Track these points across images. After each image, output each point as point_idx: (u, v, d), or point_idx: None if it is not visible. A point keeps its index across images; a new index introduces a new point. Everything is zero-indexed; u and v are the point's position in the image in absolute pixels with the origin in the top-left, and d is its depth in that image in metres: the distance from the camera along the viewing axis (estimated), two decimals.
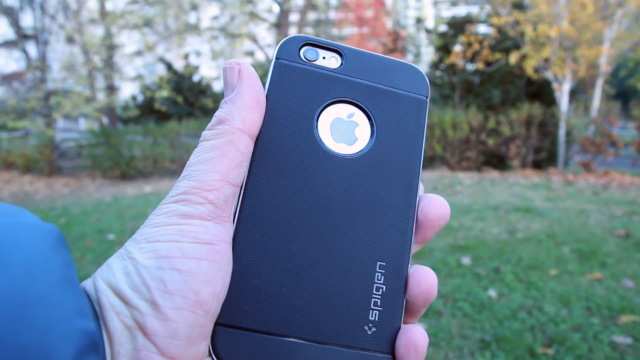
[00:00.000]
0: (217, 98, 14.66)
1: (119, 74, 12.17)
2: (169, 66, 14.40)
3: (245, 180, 0.31)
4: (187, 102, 14.21)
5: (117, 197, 6.80)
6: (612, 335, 2.03)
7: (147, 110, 14.07)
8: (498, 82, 10.70)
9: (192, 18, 14.37)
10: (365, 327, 0.31)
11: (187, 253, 0.27)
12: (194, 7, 13.17)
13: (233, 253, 0.30)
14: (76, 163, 10.99)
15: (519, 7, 9.59)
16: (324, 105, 0.34)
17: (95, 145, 10.57)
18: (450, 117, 8.90)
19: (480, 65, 10.25)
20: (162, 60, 13.99)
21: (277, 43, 0.35)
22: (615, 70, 11.66)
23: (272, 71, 0.34)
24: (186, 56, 15.54)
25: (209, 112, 14.15)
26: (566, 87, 8.75)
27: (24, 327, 0.22)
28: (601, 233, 3.60)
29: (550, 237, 3.53)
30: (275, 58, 0.34)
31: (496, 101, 10.45)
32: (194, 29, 12.42)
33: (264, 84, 0.33)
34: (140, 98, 14.80)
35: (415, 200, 0.34)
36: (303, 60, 0.35)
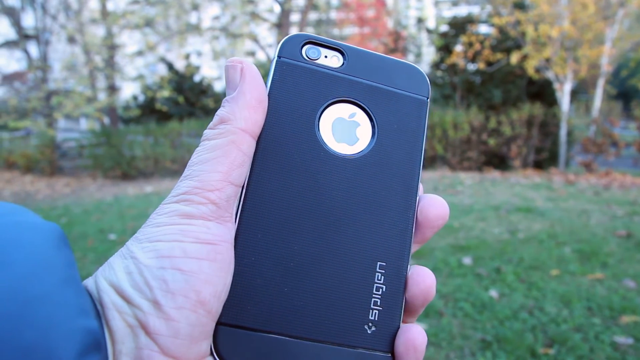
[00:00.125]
0: (218, 98, 14.67)
1: (120, 74, 12.18)
2: (170, 66, 14.42)
3: (247, 179, 0.31)
4: (188, 102, 14.22)
5: (118, 197, 6.80)
6: (613, 335, 2.03)
7: (148, 110, 14.09)
8: (499, 82, 10.69)
9: (193, 18, 14.38)
10: (365, 327, 0.31)
11: (189, 253, 0.27)
12: (195, 7, 13.17)
13: (235, 253, 0.30)
14: (77, 163, 11.01)
15: (520, 7, 9.58)
16: (325, 104, 0.34)
17: (97, 145, 10.59)
18: (451, 117, 8.90)
19: (481, 65, 10.25)
20: (163, 60, 14.01)
21: (279, 41, 0.35)
22: (617, 70, 11.65)
23: (274, 70, 0.34)
24: (187, 56, 15.54)
25: (210, 112, 14.16)
26: (567, 87, 8.75)
27: (26, 326, 0.22)
28: (602, 233, 3.60)
29: (551, 237, 3.52)
30: (277, 56, 0.34)
31: (497, 101, 10.45)
32: (195, 29, 12.43)
33: (265, 83, 0.33)
34: (141, 98, 14.82)
35: (416, 201, 0.34)
36: (305, 59, 0.35)
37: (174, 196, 0.29)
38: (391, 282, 0.32)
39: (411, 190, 0.34)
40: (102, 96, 11.79)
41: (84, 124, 17.19)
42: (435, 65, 11.93)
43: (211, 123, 0.31)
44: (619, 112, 18.22)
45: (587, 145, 8.19)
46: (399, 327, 0.32)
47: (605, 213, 4.39)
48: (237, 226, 0.30)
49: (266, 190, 0.31)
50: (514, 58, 8.92)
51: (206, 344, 0.28)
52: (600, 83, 9.22)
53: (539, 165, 9.03)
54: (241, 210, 0.31)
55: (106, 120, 12.89)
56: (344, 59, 0.35)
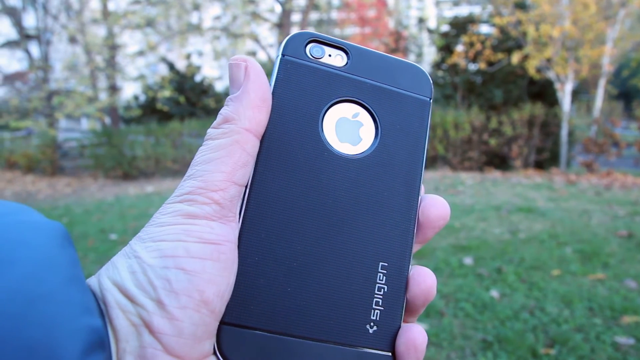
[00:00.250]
0: (220, 98, 14.68)
1: (121, 74, 12.19)
2: (171, 66, 14.43)
3: (250, 179, 0.31)
4: (189, 102, 14.23)
5: (119, 197, 6.81)
6: (614, 335, 2.03)
7: (149, 110, 14.10)
8: (500, 82, 10.69)
9: (194, 18, 14.38)
10: (367, 326, 0.31)
11: (193, 253, 0.27)
12: (196, 7, 13.17)
13: (238, 253, 0.30)
14: (78, 163, 11.02)
15: (521, 7, 9.57)
16: (329, 104, 0.34)
17: (98, 145, 10.60)
18: (452, 117, 8.90)
19: (482, 65, 10.25)
20: (164, 60, 14.02)
21: (283, 39, 0.35)
22: (618, 70, 11.64)
23: (278, 68, 0.34)
24: (188, 56, 15.54)
25: (211, 112, 14.17)
26: (568, 87, 8.74)
27: (31, 325, 0.22)
28: (604, 233, 3.60)
29: (552, 238, 3.52)
30: (281, 54, 0.34)
31: (498, 101, 10.44)
32: (196, 29, 12.43)
33: (269, 81, 0.33)
34: (142, 98, 14.84)
35: (417, 201, 0.34)
36: (309, 58, 0.34)
37: (178, 196, 0.29)
38: (393, 282, 0.32)
39: (413, 191, 0.34)
40: (103, 96, 11.81)
41: (85, 124, 17.21)
42: (437, 65, 11.93)
43: (215, 122, 0.31)
44: (620, 112, 18.21)
45: (588, 145, 8.18)
46: (399, 327, 0.32)
47: (607, 213, 4.39)
48: (241, 226, 0.31)
49: (270, 190, 0.31)
50: (515, 58, 8.92)
51: (209, 343, 0.28)
52: (602, 83, 9.21)
53: (540, 165, 9.02)
54: (245, 210, 0.31)
55: (107, 120, 12.90)
56: (348, 58, 0.35)
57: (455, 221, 4.07)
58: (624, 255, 3.06)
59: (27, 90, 11.47)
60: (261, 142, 0.32)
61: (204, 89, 14.83)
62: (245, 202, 0.31)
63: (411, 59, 17.70)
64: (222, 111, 0.31)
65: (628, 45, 9.17)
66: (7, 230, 0.25)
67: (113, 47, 11.37)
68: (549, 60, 8.81)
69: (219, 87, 17.38)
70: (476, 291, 2.53)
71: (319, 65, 0.34)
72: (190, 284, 0.26)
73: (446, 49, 11.51)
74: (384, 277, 0.32)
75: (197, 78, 15.00)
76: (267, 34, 17.55)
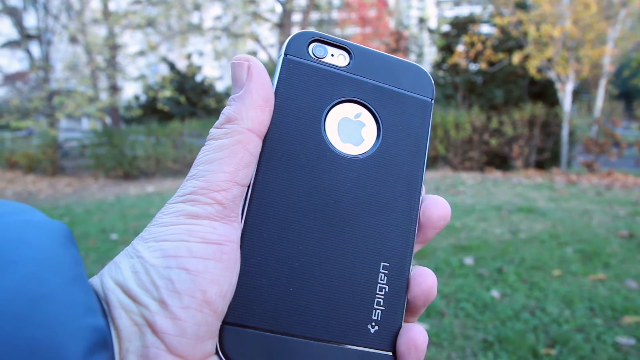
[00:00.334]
0: (220, 98, 14.70)
1: (122, 74, 12.19)
2: (172, 66, 14.44)
3: (253, 179, 0.31)
4: (190, 102, 14.24)
5: (119, 196, 6.81)
6: (615, 336, 2.03)
7: (150, 110, 14.11)
8: (501, 82, 10.69)
9: (194, 18, 14.38)
10: (369, 326, 0.32)
11: (195, 253, 0.27)
12: (197, 7, 13.17)
13: (241, 253, 0.30)
14: (79, 163, 11.04)
15: (522, 7, 9.58)
16: (332, 104, 0.34)
17: (98, 145, 10.61)
18: (452, 117, 8.90)
19: (483, 65, 10.25)
20: (164, 60, 14.03)
21: (285, 39, 0.35)
22: (619, 70, 11.63)
23: (281, 67, 0.34)
24: (189, 56, 15.55)
25: (211, 112, 14.18)
26: (569, 87, 8.74)
27: (34, 325, 0.22)
28: (604, 233, 3.60)
29: (553, 238, 3.52)
30: (284, 54, 0.34)
31: (499, 101, 10.45)
32: (197, 29, 12.44)
33: (271, 80, 0.33)
34: (143, 98, 14.85)
35: (419, 202, 0.34)
36: (312, 57, 0.34)
37: (180, 196, 0.29)
38: (394, 282, 0.33)
39: (415, 191, 0.34)
40: (104, 96, 11.81)
41: (85, 124, 17.22)
42: (437, 65, 11.93)
43: (217, 122, 0.31)
44: (621, 112, 18.20)
45: (589, 145, 8.18)
46: (400, 327, 0.32)
47: (607, 213, 4.39)
48: (243, 226, 0.31)
49: (272, 190, 0.31)
50: (516, 58, 8.91)
51: (212, 343, 0.28)
52: (602, 83, 9.21)
53: (541, 165, 9.02)
54: (247, 210, 0.31)
55: (108, 120, 12.91)
56: (350, 58, 0.35)
57: (456, 221, 4.07)
58: (625, 256, 3.06)
59: (27, 90, 11.48)
60: (263, 142, 0.32)
61: (205, 89, 14.84)
62: (247, 202, 0.31)
63: (412, 59, 17.69)
64: (224, 111, 0.31)
65: (629, 45, 9.16)
66: (9, 230, 0.26)
67: (114, 47, 11.38)
68: (549, 60, 8.81)
69: (220, 87, 17.39)
70: (477, 291, 2.53)
71: (322, 65, 0.34)
72: (192, 284, 0.26)
73: (447, 49, 11.52)
74: (386, 277, 0.32)
75: (198, 78, 15.01)
76: (268, 34, 17.56)
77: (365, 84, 0.35)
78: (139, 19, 11.49)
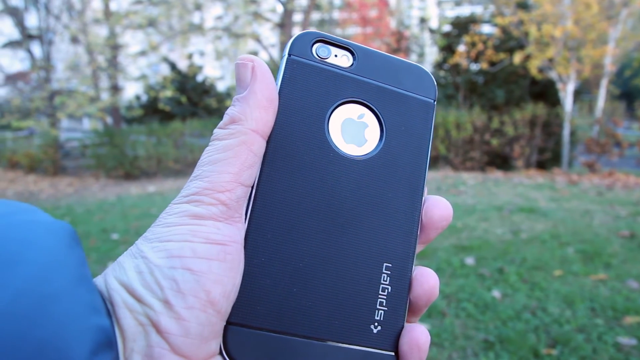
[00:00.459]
0: (221, 98, 14.70)
1: (123, 74, 12.20)
2: (173, 66, 14.45)
3: (256, 180, 0.31)
4: (191, 102, 14.25)
5: (120, 196, 6.82)
6: (616, 336, 2.03)
7: (151, 110, 14.12)
8: (502, 82, 10.68)
9: (196, 18, 14.38)
10: (372, 326, 0.32)
11: (199, 253, 0.27)
12: (198, 7, 13.18)
13: (244, 253, 0.30)
14: (80, 163, 11.05)
15: (523, 7, 9.57)
16: (335, 105, 0.34)
17: (99, 145, 10.62)
18: (454, 117, 8.89)
19: (484, 65, 10.24)
20: (166, 60, 14.03)
21: (288, 39, 0.35)
22: (620, 70, 11.61)
23: (285, 68, 0.34)
24: (190, 56, 15.56)
25: (212, 112, 14.18)
26: (570, 87, 8.73)
27: (40, 325, 0.22)
28: (606, 234, 3.59)
29: (554, 238, 3.52)
30: (288, 54, 0.34)
31: (500, 101, 10.44)
32: (198, 29, 12.44)
33: (275, 80, 0.33)
34: (144, 98, 14.85)
35: (421, 203, 0.35)
36: (315, 58, 0.34)
37: (184, 196, 0.29)
38: (396, 282, 0.33)
39: (417, 192, 0.35)
40: (105, 96, 11.83)
41: (86, 124, 17.24)
42: (438, 65, 11.93)
43: (221, 122, 0.31)
44: (622, 112, 18.17)
45: (590, 145, 8.17)
46: (403, 327, 0.32)
47: (609, 213, 4.38)
48: (247, 227, 0.31)
49: (276, 191, 0.32)
50: (517, 58, 8.91)
51: (215, 343, 0.28)
52: (604, 83, 9.20)
53: (542, 165, 9.01)
54: (251, 211, 0.31)
55: (109, 120, 12.92)
56: (354, 58, 0.35)
57: (457, 221, 4.07)
58: (626, 256, 3.06)
59: (29, 90, 11.51)
60: (267, 142, 0.32)
61: (206, 89, 14.84)
62: (251, 202, 0.31)
63: (413, 59, 17.69)
64: (228, 111, 0.31)
65: (630, 45, 9.15)
66: (15, 230, 0.26)
67: (115, 47, 11.39)
68: (551, 60, 8.80)
69: (221, 87, 17.40)
70: (478, 291, 2.53)
71: (325, 66, 0.34)
72: (197, 284, 0.27)
73: (448, 49, 11.51)
74: (388, 278, 0.33)
75: (199, 78, 15.02)
76: (269, 34, 17.56)
77: (369, 85, 0.35)
78: (140, 19, 11.50)
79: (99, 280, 0.28)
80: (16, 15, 10.84)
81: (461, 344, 2.01)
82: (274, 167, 0.32)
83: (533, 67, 8.81)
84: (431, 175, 7.74)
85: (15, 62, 13.98)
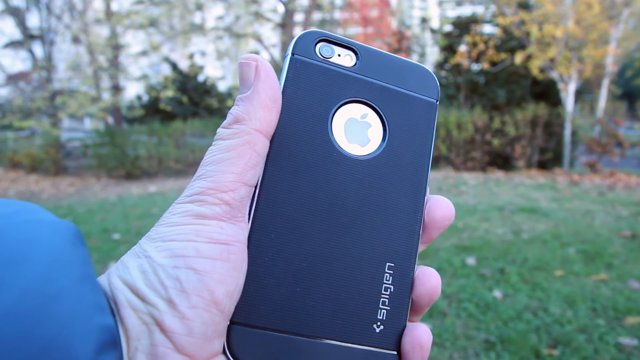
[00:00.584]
0: (222, 98, 14.70)
1: (124, 74, 12.21)
2: (174, 66, 14.45)
3: (260, 179, 0.31)
4: (192, 102, 14.25)
5: (122, 196, 6.82)
6: (618, 336, 2.02)
7: (152, 110, 14.12)
8: (503, 82, 10.67)
9: (197, 18, 14.40)
10: (374, 326, 0.32)
11: (203, 252, 0.27)
12: (199, 7, 13.19)
13: (248, 253, 0.30)
14: (81, 162, 11.06)
15: (525, 6, 9.56)
16: (339, 104, 0.34)
17: (101, 144, 10.63)
18: (455, 117, 8.88)
19: (485, 65, 10.23)
20: (167, 60, 14.04)
21: (291, 38, 0.35)
22: (622, 70, 11.59)
23: (288, 67, 0.34)
24: (191, 56, 15.58)
25: (214, 112, 14.18)
26: (572, 87, 8.72)
27: (44, 324, 0.22)
28: (607, 234, 3.59)
29: (555, 238, 3.52)
30: (291, 53, 0.34)
31: (501, 101, 10.43)
32: (199, 29, 12.45)
33: (279, 80, 0.33)
34: (145, 98, 14.86)
35: (423, 202, 0.35)
36: (319, 57, 0.34)
37: (188, 196, 0.29)
38: (399, 282, 0.33)
39: (419, 192, 0.35)
40: (106, 96, 11.84)
41: (88, 124, 17.26)
42: (439, 65, 11.92)
43: (225, 122, 0.31)
44: (623, 112, 18.12)
45: (592, 145, 8.16)
46: (405, 326, 0.32)
47: (610, 214, 4.38)
48: (250, 226, 0.31)
49: (279, 191, 0.32)
50: (518, 58, 8.90)
51: (219, 342, 0.28)
52: (605, 83, 9.19)
53: (543, 165, 9.00)
54: (254, 211, 0.31)
55: (110, 120, 12.93)
56: (357, 58, 0.35)
57: (458, 221, 4.07)
58: (628, 256, 3.05)
59: (30, 90, 11.52)
60: (271, 142, 0.32)
61: (207, 89, 14.85)
62: (255, 202, 0.31)
63: (414, 59, 17.66)
64: (232, 111, 0.31)
65: (632, 45, 9.14)
66: (18, 230, 0.26)
67: (116, 47, 11.40)
68: (552, 60, 8.80)
69: (222, 87, 17.39)
70: (479, 291, 2.52)
71: (329, 65, 0.34)
72: (200, 284, 0.27)
73: (449, 49, 11.50)
74: (391, 277, 0.33)
75: (200, 78, 15.02)
76: (270, 34, 17.56)
77: (372, 84, 0.35)
78: (141, 19, 11.51)
79: (102, 280, 0.28)
80: (18, 15, 10.86)
81: (462, 344, 2.01)
82: (277, 167, 0.32)
83: (534, 67, 8.80)
84: (432, 175, 7.74)
85: (16, 62, 14.00)
